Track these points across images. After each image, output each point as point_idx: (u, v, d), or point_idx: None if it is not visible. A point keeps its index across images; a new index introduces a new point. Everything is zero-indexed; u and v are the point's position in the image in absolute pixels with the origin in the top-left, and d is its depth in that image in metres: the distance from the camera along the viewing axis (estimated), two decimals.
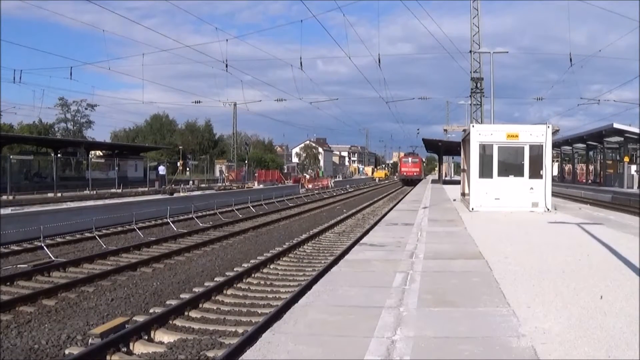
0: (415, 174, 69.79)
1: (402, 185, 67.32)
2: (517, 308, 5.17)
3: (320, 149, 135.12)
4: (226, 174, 54.49)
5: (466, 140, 19.71)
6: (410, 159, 71.83)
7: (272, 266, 12.51)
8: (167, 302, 9.05)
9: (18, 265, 12.19)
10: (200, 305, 8.87)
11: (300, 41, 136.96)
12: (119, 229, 18.49)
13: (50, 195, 29.05)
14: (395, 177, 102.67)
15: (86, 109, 78.84)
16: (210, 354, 6.57)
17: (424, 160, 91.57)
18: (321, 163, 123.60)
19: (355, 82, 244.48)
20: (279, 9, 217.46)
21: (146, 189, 36.97)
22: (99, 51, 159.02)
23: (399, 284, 6.36)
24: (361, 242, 10.67)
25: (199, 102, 50.17)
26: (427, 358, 3.91)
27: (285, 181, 56.81)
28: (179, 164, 54.17)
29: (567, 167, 61.30)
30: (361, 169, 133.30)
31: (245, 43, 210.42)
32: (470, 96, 35.11)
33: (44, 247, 13.63)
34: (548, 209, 16.11)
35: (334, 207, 32.16)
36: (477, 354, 3.95)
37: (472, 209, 16.50)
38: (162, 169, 41.71)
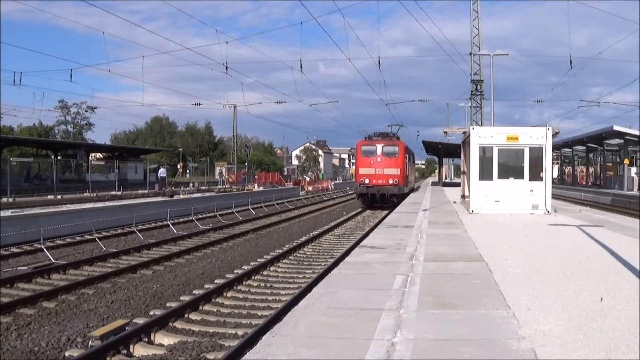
0: (390, 182, 29.22)
1: (362, 204, 30.92)
2: (517, 310, 5.17)
3: (320, 151, 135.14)
4: (226, 176, 54.51)
5: (466, 142, 19.73)
6: (379, 148, 29.84)
7: (272, 268, 12.50)
8: (167, 305, 9.05)
9: (18, 268, 12.18)
10: (200, 308, 8.87)
11: (300, 44, 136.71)
12: (119, 231, 18.48)
13: (50, 197, 29.10)
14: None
15: (86, 111, 78.90)
16: (210, 356, 6.57)
17: (411, 152, 37.39)
18: (321, 165, 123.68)
19: (356, 84, 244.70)
20: (281, 12, 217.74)
21: (146, 191, 37.03)
22: (99, 54, 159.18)
23: (399, 286, 6.36)
24: (361, 244, 10.63)
25: (199, 104, 49.65)
26: None
27: (285, 183, 56.83)
28: (179, 166, 54.28)
29: (567, 169, 61.36)
30: None
31: (246, 46, 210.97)
32: (471, 98, 35.13)
33: (44, 250, 13.63)
34: (548, 212, 16.11)
35: (333, 209, 32.15)
36: (477, 356, 3.95)
37: (472, 211, 16.50)
38: (162, 172, 41.76)
